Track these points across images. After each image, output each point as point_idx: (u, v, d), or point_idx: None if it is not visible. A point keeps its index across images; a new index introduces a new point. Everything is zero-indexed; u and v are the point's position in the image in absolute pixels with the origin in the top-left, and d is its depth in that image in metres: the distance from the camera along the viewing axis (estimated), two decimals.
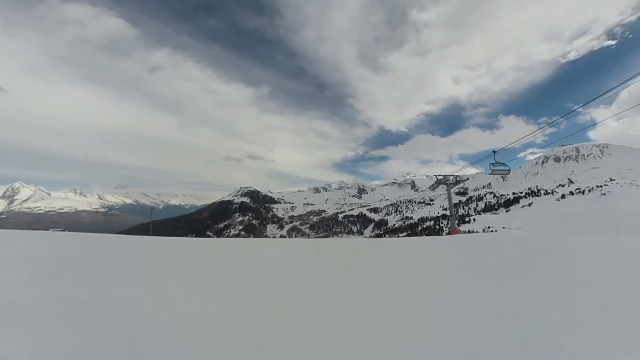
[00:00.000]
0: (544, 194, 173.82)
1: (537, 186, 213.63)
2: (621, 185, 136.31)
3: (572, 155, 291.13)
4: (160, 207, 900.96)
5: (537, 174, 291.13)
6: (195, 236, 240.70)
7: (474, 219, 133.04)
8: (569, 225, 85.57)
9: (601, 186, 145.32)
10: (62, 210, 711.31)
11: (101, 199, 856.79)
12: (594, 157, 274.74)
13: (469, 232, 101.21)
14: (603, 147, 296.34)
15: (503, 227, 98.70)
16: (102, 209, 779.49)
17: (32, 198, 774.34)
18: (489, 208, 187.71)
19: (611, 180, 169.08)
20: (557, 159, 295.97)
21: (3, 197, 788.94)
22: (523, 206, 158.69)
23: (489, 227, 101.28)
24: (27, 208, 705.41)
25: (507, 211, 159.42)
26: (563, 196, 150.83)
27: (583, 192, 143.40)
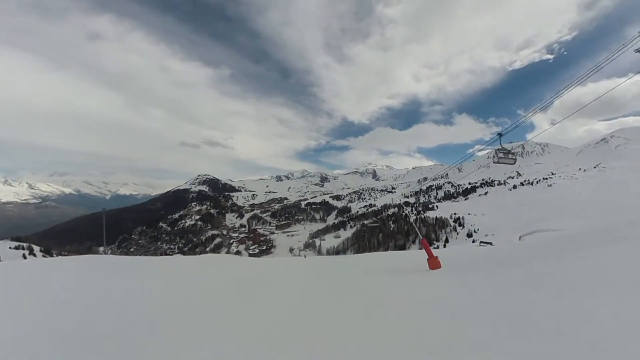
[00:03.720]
0: (497, 184, 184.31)
1: (490, 177, 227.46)
2: (563, 178, 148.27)
3: (518, 151, 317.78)
4: (108, 197, 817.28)
5: (489, 166, 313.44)
6: (146, 228, 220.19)
7: (437, 206, 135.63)
8: (530, 211, 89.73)
9: (546, 178, 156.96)
10: None
11: (32, 188, 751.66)
12: (536, 154, 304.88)
13: (436, 218, 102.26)
14: (544, 146, 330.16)
15: (468, 214, 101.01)
16: (34, 200, 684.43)
17: None
18: (448, 196, 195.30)
19: (552, 174, 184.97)
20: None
21: None
22: (480, 195, 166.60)
23: (455, 214, 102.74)
24: None
25: (465, 199, 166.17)
26: (514, 186, 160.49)
27: (531, 183, 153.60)
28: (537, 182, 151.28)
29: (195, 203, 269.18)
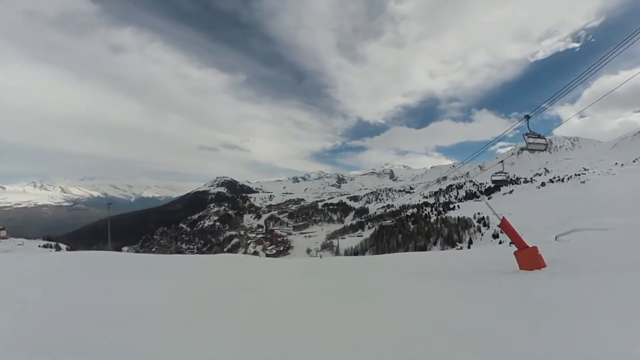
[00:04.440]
0: (524, 182, 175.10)
1: (515, 175, 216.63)
2: (598, 174, 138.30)
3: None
4: (132, 199, 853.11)
5: (513, 164, 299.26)
6: (167, 229, 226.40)
7: (458, 206, 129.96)
8: (562, 209, 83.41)
9: (579, 174, 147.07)
10: (19, 206, 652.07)
11: (65, 192, 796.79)
12: (565, 149, 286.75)
13: (459, 218, 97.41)
14: (574, 140, 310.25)
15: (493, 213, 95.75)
16: (66, 203, 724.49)
17: None
18: (470, 196, 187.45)
19: (585, 169, 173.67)
20: (532, 150, 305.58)
21: None
22: (504, 194, 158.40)
23: (479, 213, 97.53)
24: None
25: (489, 198, 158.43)
26: (543, 184, 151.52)
27: (562, 180, 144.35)
28: (568, 179, 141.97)
29: (213, 204, 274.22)
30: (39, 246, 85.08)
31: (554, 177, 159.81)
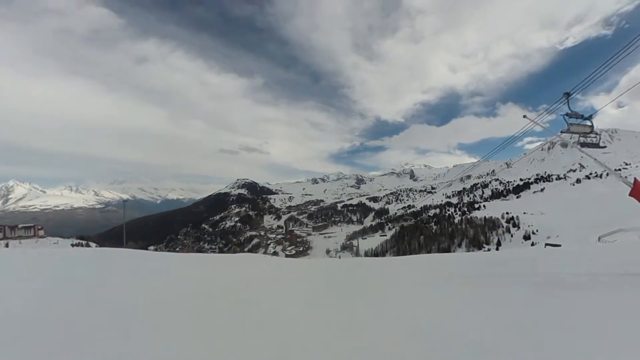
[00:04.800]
0: (556, 179, 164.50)
1: (545, 172, 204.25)
2: None
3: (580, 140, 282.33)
4: (158, 201, 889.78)
5: (543, 160, 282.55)
6: (190, 229, 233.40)
7: (484, 206, 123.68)
8: (602, 208, 76.62)
9: (619, 169, 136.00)
10: (57, 208, 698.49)
11: (97, 195, 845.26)
12: (603, 141, 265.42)
13: (485, 218, 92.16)
14: (612, 132, 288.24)
15: (524, 213, 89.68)
16: (99, 206, 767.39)
17: (26, 196, 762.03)
18: (496, 195, 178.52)
19: (626, 164, 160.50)
20: (564, 145, 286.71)
21: None
22: (535, 192, 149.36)
23: (507, 213, 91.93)
24: (22, 207, 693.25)
25: (517, 197, 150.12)
26: (578, 180, 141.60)
27: (600, 176, 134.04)
28: (607, 175, 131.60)
29: (234, 205, 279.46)
30: (72, 245, 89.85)
31: (590, 173, 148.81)
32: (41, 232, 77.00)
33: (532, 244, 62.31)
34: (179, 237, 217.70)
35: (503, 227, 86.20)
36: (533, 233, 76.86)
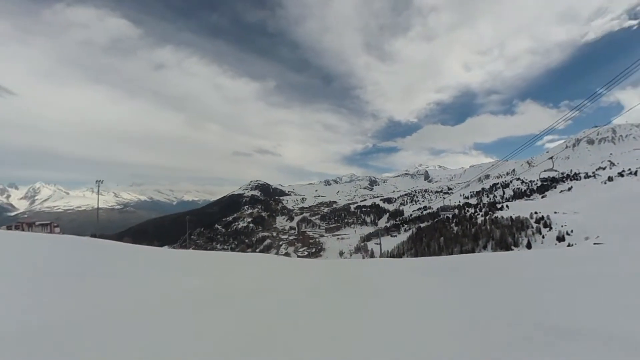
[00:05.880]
0: (584, 177, 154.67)
1: (571, 170, 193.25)
2: None
3: (607, 136, 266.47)
4: (175, 203, 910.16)
5: (568, 158, 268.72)
6: (203, 230, 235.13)
7: (507, 206, 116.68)
8: None
9: None
10: (80, 209, 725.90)
11: (117, 196, 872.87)
12: (634, 137, 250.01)
13: (512, 218, 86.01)
14: None
15: (555, 212, 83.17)
16: (118, 206, 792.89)
17: (52, 197, 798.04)
18: (518, 195, 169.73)
19: None
20: (591, 142, 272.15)
21: (25, 197, 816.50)
22: (561, 191, 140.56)
23: (536, 212, 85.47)
24: (47, 207, 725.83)
25: (542, 197, 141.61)
26: (610, 178, 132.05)
27: (635, 173, 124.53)
28: None
29: (247, 206, 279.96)
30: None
31: (623, 171, 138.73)
32: (57, 230, 77.36)
33: (569, 245, 56.70)
34: (192, 237, 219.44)
35: (532, 227, 79.89)
36: (567, 234, 70.52)
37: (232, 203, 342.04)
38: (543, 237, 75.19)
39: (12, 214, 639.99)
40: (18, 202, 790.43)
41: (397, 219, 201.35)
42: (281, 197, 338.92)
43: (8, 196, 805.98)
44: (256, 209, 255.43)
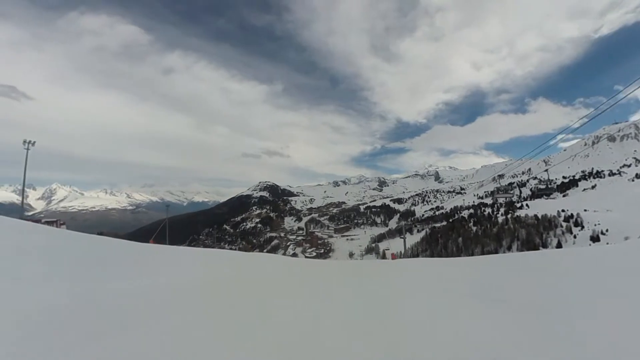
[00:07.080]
0: (609, 175, 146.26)
1: (592, 168, 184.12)
2: None
3: (630, 133, 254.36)
4: (185, 203, 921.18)
5: (588, 156, 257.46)
6: (212, 230, 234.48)
7: (527, 205, 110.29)
8: None
9: None
10: (94, 209, 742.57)
11: (129, 197, 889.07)
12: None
13: (537, 217, 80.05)
14: None
15: (585, 210, 77.02)
16: (130, 207, 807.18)
17: (67, 198, 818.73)
18: (537, 194, 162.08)
19: None
20: (612, 139, 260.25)
21: (42, 197, 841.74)
22: (584, 189, 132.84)
23: (564, 210, 79.40)
24: (62, 207, 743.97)
25: (564, 195, 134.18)
26: (638, 176, 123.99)
27: None
28: None
29: (256, 207, 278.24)
30: None
31: None
32: (63, 227, 76.37)
33: (607, 244, 51.32)
34: (200, 237, 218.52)
35: (562, 226, 73.75)
36: (602, 233, 64.59)
37: (240, 204, 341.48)
38: (575, 236, 69.16)
39: (30, 213, 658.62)
40: (35, 202, 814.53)
41: (409, 219, 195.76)
42: (289, 198, 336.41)
43: (26, 196, 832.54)
44: (264, 210, 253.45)
